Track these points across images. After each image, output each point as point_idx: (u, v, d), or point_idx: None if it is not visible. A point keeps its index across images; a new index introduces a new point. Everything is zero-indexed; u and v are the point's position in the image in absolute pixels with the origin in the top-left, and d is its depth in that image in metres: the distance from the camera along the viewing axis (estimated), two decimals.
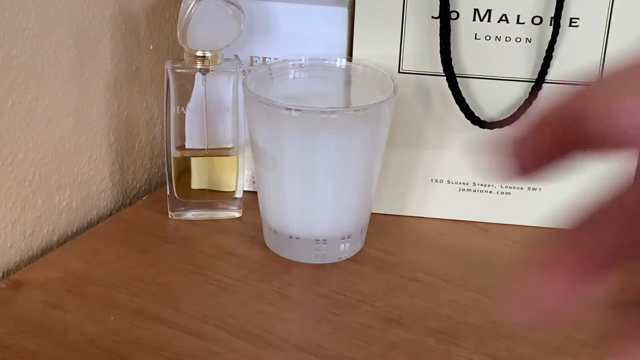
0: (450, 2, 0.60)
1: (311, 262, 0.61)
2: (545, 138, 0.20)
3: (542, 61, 0.61)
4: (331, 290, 0.59)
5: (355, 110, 0.60)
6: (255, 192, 0.64)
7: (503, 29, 0.61)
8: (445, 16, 0.60)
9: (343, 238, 0.62)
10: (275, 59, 0.64)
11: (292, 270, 0.61)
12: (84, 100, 0.65)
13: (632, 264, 0.19)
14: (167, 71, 0.63)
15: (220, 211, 0.66)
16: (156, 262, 0.61)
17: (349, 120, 0.58)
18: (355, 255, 0.63)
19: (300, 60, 0.63)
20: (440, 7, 0.60)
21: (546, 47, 0.60)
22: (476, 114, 0.62)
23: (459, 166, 0.65)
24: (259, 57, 0.65)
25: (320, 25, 0.64)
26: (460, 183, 0.66)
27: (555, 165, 0.20)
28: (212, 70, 0.63)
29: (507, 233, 0.65)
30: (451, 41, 0.61)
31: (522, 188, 0.65)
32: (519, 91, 0.62)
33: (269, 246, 0.63)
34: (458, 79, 0.61)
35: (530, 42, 0.61)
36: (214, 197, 0.67)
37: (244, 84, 0.60)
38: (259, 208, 0.63)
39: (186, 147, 0.65)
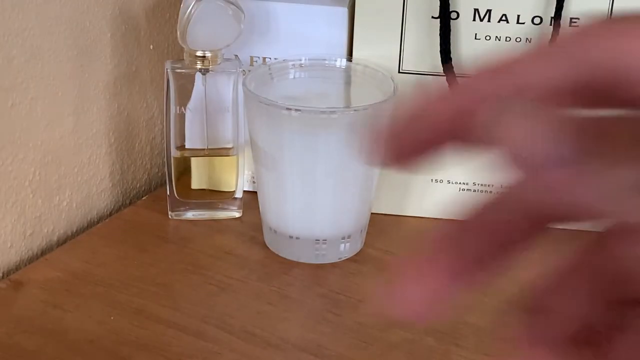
0: (450, 2, 0.60)
1: (311, 262, 0.61)
2: (424, 129, 0.20)
3: None
4: (331, 290, 0.59)
5: (355, 110, 0.60)
6: (255, 192, 0.64)
7: (503, 29, 0.61)
8: (445, 16, 0.60)
9: (343, 238, 0.62)
10: (275, 59, 0.64)
11: (292, 270, 0.61)
12: (84, 100, 0.65)
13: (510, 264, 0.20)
14: (167, 71, 0.63)
15: (220, 211, 0.66)
16: (156, 262, 0.61)
17: (349, 120, 0.58)
18: (355, 255, 0.62)
19: (300, 60, 0.63)
20: (440, 7, 0.60)
21: None
22: None
23: (459, 166, 0.65)
24: (259, 57, 0.65)
25: (320, 25, 0.64)
26: (460, 183, 0.66)
27: (432, 155, 0.20)
28: (212, 70, 0.63)
29: None
30: (451, 41, 0.61)
31: None
32: None
33: (269, 246, 0.63)
34: (458, 79, 0.61)
35: (530, 42, 0.61)
36: (214, 197, 0.67)
37: (244, 84, 0.60)
38: (259, 208, 0.63)
39: (186, 147, 0.65)
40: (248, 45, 0.65)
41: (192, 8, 0.60)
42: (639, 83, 0.18)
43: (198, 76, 0.63)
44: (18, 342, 0.52)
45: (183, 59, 0.63)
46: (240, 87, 0.62)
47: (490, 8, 0.61)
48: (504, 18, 0.61)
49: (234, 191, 0.66)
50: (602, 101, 0.19)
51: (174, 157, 0.65)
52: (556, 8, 0.59)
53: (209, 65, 0.62)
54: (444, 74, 0.61)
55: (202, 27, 0.60)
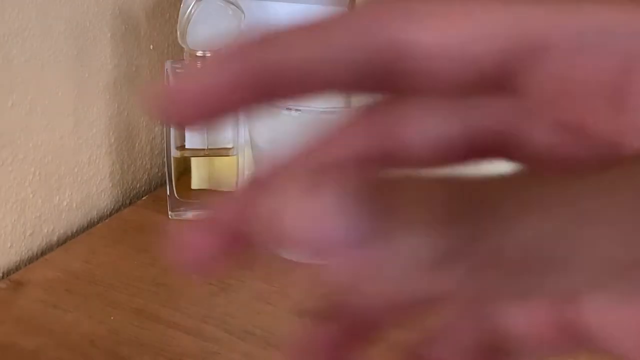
0: None
1: (311, 262, 0.61)
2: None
3: None
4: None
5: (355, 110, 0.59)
6: None
7: None
8: None
9: None
10: None
11: (293, 271, 0.61)
12: (84, 100, 0.65)
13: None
14: (167, 71, 0.63)
15: None
16: (156, 262, 0.61)
17: None
18: None
19: None
20: None
21: None
22: None
23: (459, 167, 0.65)
24: None
25: None
26: None
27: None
28: None
29: None
30: None
31: None
32: None
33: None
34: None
35: None
36: (214, 197, 0.67)
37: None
38: None
39: (186, 147, 0.65)
40: None
41: (192, 8, 0.60)
42: (418, 60, 0.18)
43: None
44: (18, 342, 0.52)
45: (183, 59, 0.63)
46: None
47: None
48: None
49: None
50: (384, 85, 0.18)
51: (174, 157, 0.65)
52: None
53: None
54: None
55: (202, 27, 0.60)
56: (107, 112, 0.67)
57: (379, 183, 0.15)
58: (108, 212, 0.69)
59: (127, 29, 0.67)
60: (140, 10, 0.68)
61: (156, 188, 0.72)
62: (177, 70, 0.63)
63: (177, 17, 0.61)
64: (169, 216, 0.66)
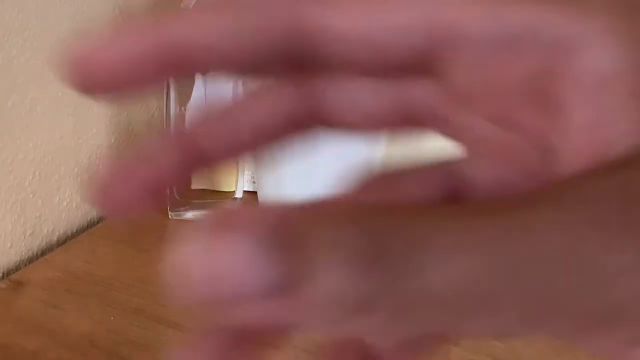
0: None
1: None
2: None
3: None
4: None
5: None
6: (255, 192, 0.64)
7: None
8: None
9: None
10: None
11: None
12: (84, 100, 0.65)
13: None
14: None
15: None
16: (156, 262, 0.61)
17: None
18: None
19: None
20: None
21: None
22: None
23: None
24: None
25: None
26: None
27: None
28: None
29: None
30: None
31: None
32: None
33: None
34: None
35: None
36: (214, 197, 0.67)
37: (244, 84, 0.60)
38: None
39: None
40: None
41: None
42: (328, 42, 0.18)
43: (198, 76, 0.63)
44: (18, 342, 0.52)
45: None
46: (240, 87, 0.62)
47: None
48: None
49: (234, 191, 0.66)
50: (295, 66, 0.18)
51: None
52: None
53: None
54: None
55: None
56: (107, 112, 0.67)
57: (291, 222, 0.14)
58: None
59: None
60: (141, 10, 0.68)
61: None
62: None
63: None
64: (169, 216, 0.66)
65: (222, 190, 0.67)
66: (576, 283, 0.14)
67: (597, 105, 0.17)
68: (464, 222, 0.15)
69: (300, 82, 0.20)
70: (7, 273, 0.60)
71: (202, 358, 0.21)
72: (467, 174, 0.20)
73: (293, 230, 0.14)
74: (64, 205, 0.65)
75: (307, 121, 0.20)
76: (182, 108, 0.64)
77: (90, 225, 0.67)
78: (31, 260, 0.62)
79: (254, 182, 0.67)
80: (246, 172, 0.67)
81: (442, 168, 0.21)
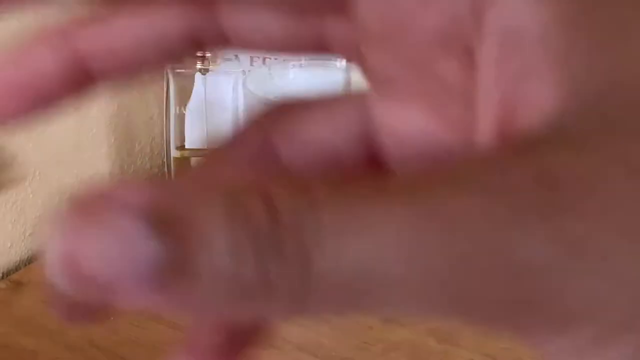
0: None
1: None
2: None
3: None
4: None
5: None
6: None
7: None
8: None
9: None
10: (275, 59, 0.64)
11: None
12: (84, 100, 0.65)
13: None
14: (167, 71, 0.63)
15: None
16: None
17: None
18: None
19: (300, 60, 0.63)
20: None
21: None
22: None
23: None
24: (259, 57, 0.65)
25: None
26: None
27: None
28: (212, 71, 0.63)
29: None
30: None
31: None
32: None
33: None
34: None
35: None
36: None
37: (244, 84, 0.60)
38: None
39: (186, 147, 0.65)
40: None
41: None
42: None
43: (198, 76, 0.63)
44: (18, 342, 0.52)
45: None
46: (240, 87, 0.62)
47: None
48: None
49: None
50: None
51: (174, 157, 0.65)
52: None
53: (209, 66, 0.62)
54: None
55: None
56: (107, 112, 0.67)
57: (170, 201, 0.14)
58: None
59: None
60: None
61: None
62: (177, 70, 0.63)
63: None
64: None
65: None
66: (485, 273, 0.14)
67: (511, 64, 0.16)
68: (373, 202, 0.14)
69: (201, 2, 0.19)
70: (7, 273, 0.60)
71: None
72: (382, 117, 0.19)
73: (172, 211, 0.13)
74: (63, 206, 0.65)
75: (206, 38, 0.19)
76: (182, 108, 0.64)
77: None
78: (31, 260, 0.62)
79: None
80: None
81: (357, 107, 0.20)
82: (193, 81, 0.64)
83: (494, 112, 0.16)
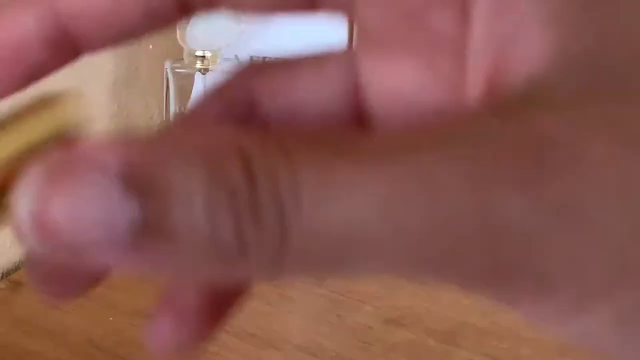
0: None
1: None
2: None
3: None
4: (331, 290, 0.59)
5: None
6: None
7: None
8: None
9: None
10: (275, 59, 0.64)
11: None
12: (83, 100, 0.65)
13: None
14: (166, 71, 0.63)
15: None
16: None
17: None
18: None
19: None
20: None
21: None
22: None
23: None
24: (258, 57, 0.65)
25: (321, 24, 0.64)
26: None
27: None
28: (211, 70, 0.63)
29: None
30: None
31: None
32: None
33: None
34: None
35: None
36: None
37: None
38: None
39: None
40: (248, 45, 0.65)
41: None
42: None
43: (198, 76, 0.63)
44: (17, 342, 0.52)
45: (183, 59, 0.63)
46: None
47: None
48: None
49: None
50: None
51: None
52: None
53: (209, 65, 0.62)
54: None
55: (202, 26, 0.60)
56: (107, 112, 0.67)
57: (142, 161, 0.13)
58: None
59: None
60: None
61: None
62: (177, 70, 0.63)
63: None
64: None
65: None
66: (464, 235, 0.14)
67: (503, 20, 0.16)
68: (352, 162, 0.13)
69: None
70: (7, 273, 0.60)
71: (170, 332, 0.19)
72: (370, 74, 0.19)
73: (148, 170, 0.13)
74: None
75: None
76: (182, 108, 0.64)
77: None
78: None
79: None
80: None
81: (344, 65, 0.19)
82: (193, 81, 0.64)
83: (484, 68, 0.16)
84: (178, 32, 0.61)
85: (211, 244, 0.13)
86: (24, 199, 0.13)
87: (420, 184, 0.13)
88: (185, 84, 0.63)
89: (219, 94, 0.20)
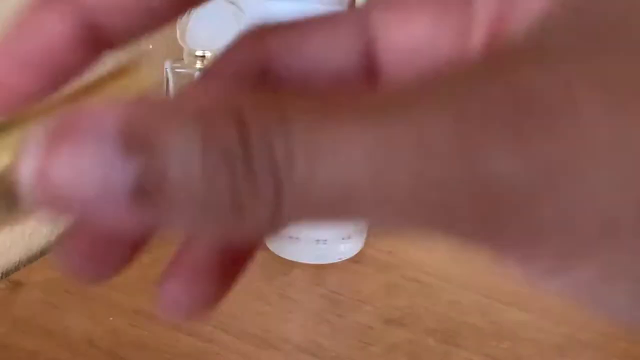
0: None
1: (311, 262, 0.61)
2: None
3: None
4: (331, 290, 0.59)
5: None
6: None
7: None
8: None
9: (343, 238, 0.62)
10: None
11: (292, 271, 0.61)
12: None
13: None
14: (166, 71, 0.62)
15: None
16: (156, 263, 0.61)
17: None
18: (355, 255, 0.62)
19: None
20: None
21: None
22: None
23: None
24: None
25: None
26: None
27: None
28: None
29: None
30: None
31: None
32: None
33: (269, 246, 0.63)
34: None
35: None
36: None
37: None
38: None
39: None
40: None
41: None
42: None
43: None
44: (17, 342, 0.52)
45: (183, 59, 0.63)
46: None
47: None
48: None
49: None
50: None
51: None
52: None
53: None
54: None
55: (202, 26, 0.60)
56: None
57: (141, 121, 0.14)
58: None
59: None
60: None
61: None
62: (177, 70, 0.63)
63: None
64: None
65: None
66: (455, 191, 0.14)
67: None
68: (345, 119, 0.14)
69: None
70: (7, 273, 0.60)
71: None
72: (383, 30, 0.19)
73: (144, 129, 0.14)
74: None
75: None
76: None
77: None
78: (31, 260, 0.62)
79: None
80: None
81: (358, 23, 0.19)
82: (193, 78, 0.64)
83: (488, 19, 0.17)
84: (178, 32, 0.61)
85: (207, 203, 0.14)
86: (28, 157, 0.14)
87: (410, 141, 0.14)
88: (185, 83, 0.63)
89: (230, 56, 0.20)
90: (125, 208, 0.14)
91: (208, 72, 0.20)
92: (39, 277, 0.58)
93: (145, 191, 0.13)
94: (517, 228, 0.14)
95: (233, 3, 0.60)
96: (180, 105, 0.14)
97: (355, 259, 0.62)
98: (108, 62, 0.18)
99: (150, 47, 0.70)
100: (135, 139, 0.13)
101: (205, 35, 0.61)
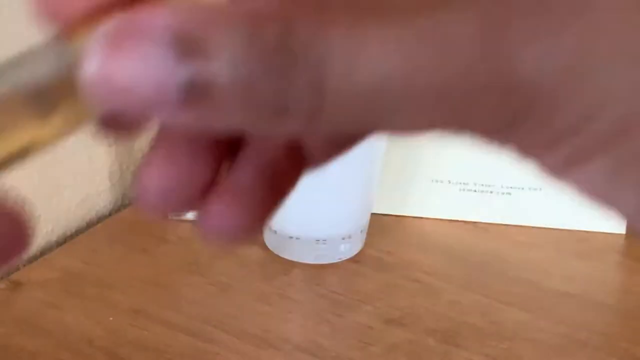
0: None
1: (311, 262, 0.61)
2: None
3: None
4: (331, 290, 0.59)
5: None
6: None
7: None
8: None
9: (343, 238, 0.62)
10: None
11: (292, 271, 0.61)
12: None
13: None
14: None
15: None
16: (156, 262, 0.61)
17: None
18: (355, 255, 0.62)
19: None
20: None
21: None
22: None
23: (460, 166, 0.65)
24: None
25: None
26: (461, 183, 0.66)
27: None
28: None
29: (507, 233, 0.65)
30: None
31: (522, 188, 0.65)
32: None
33: (269, 246, 0.63)
34: None
35: None
36: None
37: None
38: None
39: None
40: None
41: None
42: None
43: None
44: (17, 342, 0.52)
45: None
46: None
47: None
48: None
49: None
50: None
51: None
52: None
53: None
54: None
55: None
56: None
57: (194, 25, 0.15)
58: (108, 212, 0.69)
59: None
60: None
61: None
62: None
63: None
64: (169, 216, 0.66)
65: None
66: (480, 87, 0.15)
67: None
68: (380, 23, 0.15)
69: None
70: (7, 273, 0.60)
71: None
72: None
73: (197, 33, 0.15)
74: (63, 205, 0.65)
75: None
76: None
77: (90, 225, 0.67)
78: (30, 260, 0.62)
79: None
80: None
81: None
82: None
83: None
84: None
85: (252, 103, 0.15)
86: (92, 56, 0.15)
87: (435, 42, 0.15)
88: None
89: None
90: (180, 107, 0.15)
91: None
92: (39, 277, 0.58)
93: (197, 92, 0.15)
94: (541, 122, 0.15)
95: None
96: (232, 10, 0.15)
97: (355, 259, 0.62)
98: None
99: None
100: (188, 44, 0.14)
101: None
